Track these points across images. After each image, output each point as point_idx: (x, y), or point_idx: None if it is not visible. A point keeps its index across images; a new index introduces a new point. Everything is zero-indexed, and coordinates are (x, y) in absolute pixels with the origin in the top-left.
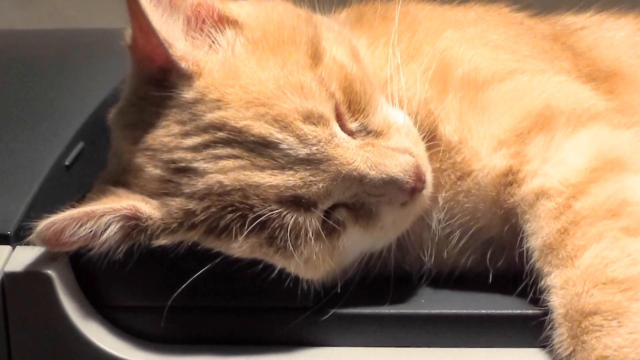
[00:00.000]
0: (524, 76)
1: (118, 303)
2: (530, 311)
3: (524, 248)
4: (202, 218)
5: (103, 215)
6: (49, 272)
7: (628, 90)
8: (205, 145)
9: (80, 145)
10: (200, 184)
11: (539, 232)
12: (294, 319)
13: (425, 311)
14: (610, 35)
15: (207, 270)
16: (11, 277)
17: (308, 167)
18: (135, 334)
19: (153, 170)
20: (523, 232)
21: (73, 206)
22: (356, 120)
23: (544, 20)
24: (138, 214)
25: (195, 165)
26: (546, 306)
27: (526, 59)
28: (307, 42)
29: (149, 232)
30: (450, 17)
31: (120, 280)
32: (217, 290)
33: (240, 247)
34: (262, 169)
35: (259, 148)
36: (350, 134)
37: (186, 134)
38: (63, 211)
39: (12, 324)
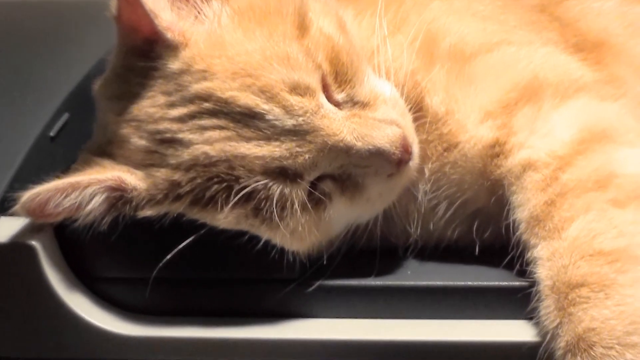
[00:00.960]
0: (511, 47)
1: (103, 274)
2: (517, 283)
3: (511, 220)
4: (188, 189)
5: (88, 186)
6: (34, 242)
7: (616, 61)
8: (191, 116)
9: (65, 116)
10: (185, 154)
11: (525, 204)
12: (280, 290)
13: (412, 283)
14: (597, 5)
15: (192, 242)
16: None
17: (294, 138)
18: (120, 305)
19: (138, 141)
20: (510, 204)
21: (58, 177)
22: (343, 91)
23: None
24: (123, 185)
25: (180, 136)
26: (533, 278)
27: (513, 30)
28: (294, 13)
29: (134, 203)
30: None
31: (105, 251)
32: (202, 261)
33: (225, 218)
34: (248, 139)
35: (245, 119)
36: (337, 105)
37: (172, 105)
38: (48, 182)
39: None
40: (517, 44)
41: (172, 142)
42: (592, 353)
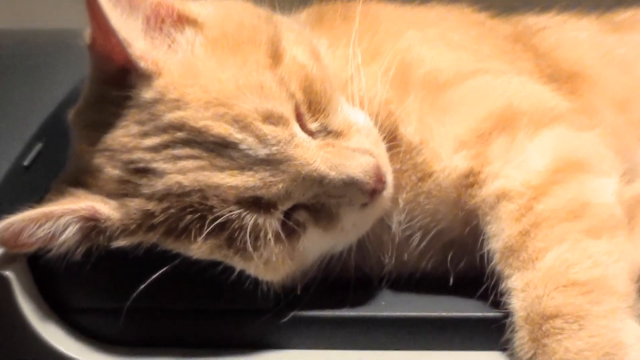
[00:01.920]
0: (486, 77)
1: (77, 305)
2: (491, 314)
3: (485, 250)
4: (161, 219)
5: (61, 216)
6: (7, 273)
7: (590, 91)
8: (165, 146)
9: (39, 145)
10: (159, 184)
11: (500, 234)
12: (254, 321)
13: (386, 314)
14: (572, 35)
15: (166, 272)
16: None
17: (268, 168)
18: (94, 336)
19: (112, 171)
20: (484, 234)
21: (32, 207)
22: (316, 120)
23: (505, 20)
24: (97, 215)
25: (154, 165)
26: (507, 309)
27: (488, 59)
28: (267, 41)
29: (107, 233)
30: (411, 17)
31: (79, 282)
32: (176, 292)
33: (199, 249)
34: (221, 169)
35: (219, 148)
36: (311, 134)
37: (145, 134)
38: (22, 212)
39: None
40: (492, 73)
41: (146, 171)
42: None
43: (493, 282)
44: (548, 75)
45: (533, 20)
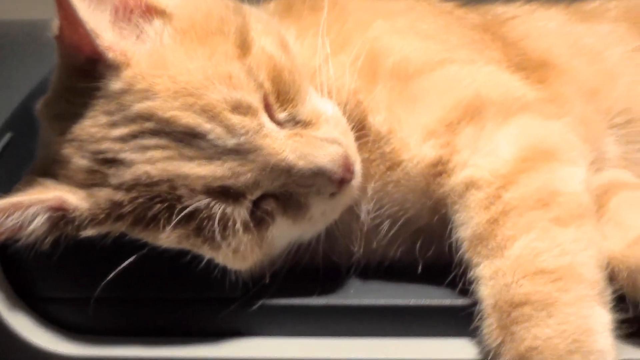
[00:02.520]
0: (454, 66)
1: (45, 294)
2: (460, 302)
3: (454, 239)
4: (130, 209)
5: (30, 206)
6: None
7: (558, 81)
8: (133, 136)
9: (8, 136)
10: (127, 174)
11: (468, 222)
12: (223, 309)
13: (354, 302)
14: (541, 25)
15: (135, 261)
16: None
17: (236, 158)
18: (63, 325)
19: (80, 161)
20: (452, 223)
21: (0, 197)
22: (285, 110)
23: (474, 10)
24: (65, 205)
25: (122, 155)
26: (475, 297)
27: (456, 48)
28: (236, 32)
29: (76, 223)
30: (379, 7)
31: (48, 271)
32: (144, 281)
33: (167, 238)
34: (190, 159)
35: (187, 138)
36: (279, 124)
37: (114, 125)
38: None
39: None
40: (460, 62)
41: (114, 161)
42: None
43: (461, 270)
44: (516, 64)
45: (502, 9)
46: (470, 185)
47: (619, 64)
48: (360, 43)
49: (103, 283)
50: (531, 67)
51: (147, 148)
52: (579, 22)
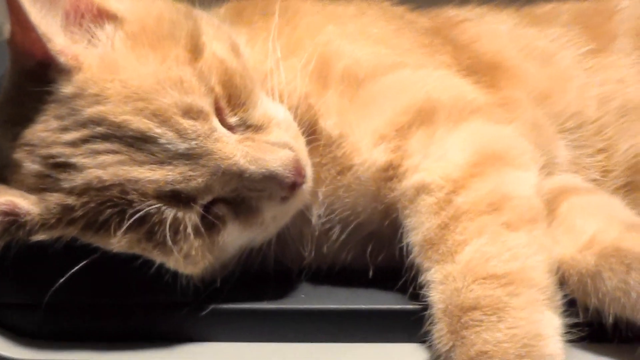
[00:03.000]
0: (405, 70)
1: None
2: (410, 306)
3: (404, 243)
4: (81, 213)
5: None
6: None
7: (509, 85)
8: (84, 140)
9: None
10: (79, 179)
11: (419, 227)
12: (173, 314)
13: (305, 306)
14: (492, 28)
15: (86, 266)
16: None
17: (187, 162)
18: (14, 330)
19: (31, 166)
20: (403, 227)
21: None
22: (236, 114)
23: (424, 13)
24: (16, 210)
25: (73, 160)
26: (426, 301)
27: (407, 53)
28: (187, 36)
29: (27, 228)
30: (330, 12)
31: None
32: (95, 286)
33: (118, 243)
34: (141, 164)
35: (138, 143)
36: (230, 128)
37: (65, 129)
38: None
39: None
40: (411, 67)
41: (65, 166)
42: None
43: (412, 274)
44: (467, 67)
45: (453, 13)
46: (421, 190)
47: (570, 67)
48: (311, 47)
49: (53, 288)
50: (482, 70)
51: (98, 152)
52: (531, 26)
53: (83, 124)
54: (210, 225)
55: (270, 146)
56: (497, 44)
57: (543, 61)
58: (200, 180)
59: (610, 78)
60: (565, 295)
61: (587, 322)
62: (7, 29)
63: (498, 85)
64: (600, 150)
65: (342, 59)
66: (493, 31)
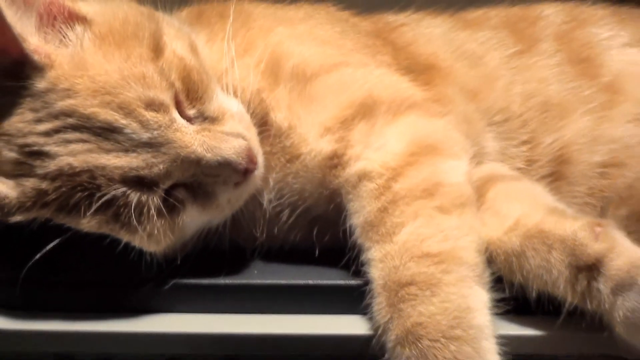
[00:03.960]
0: (349, 69)
1: None
2: (353, 282)
3: (348, 225)
4: (54, 197)
5: None
6: None
7: (444, 82)
8: (56, 131)
9: None
10: (52, 165)
11: (361, 210)
12: (138, 288)
13: (258, 281)
14: (428, 32)
15: (59, 245)
16: None
17: (150, 150)
18: None
19: (9, 154)
20: (347, 211)
21: None
22: (194, 107)
23: (367, 18)
24: None
25: (47, 148)
26: (367, 278)
27: (351, 53)
28: (150, 36)
29: (5, 210)
30: (281, 15)
31: None
32: (68, 263)
33: (88, 223)
34: (108, 151)
35: (105, 133)
36: (189, 120)
37: (39, 121)
38: None
39: None
40: (354, 65)
41: (40, 154)
42: (420, 345)
43: (354, 253)
44: (405, 67)
45: (392, 18)
46: (362, 177)
47: (498, 67)
48: (263, 47)
49: (29, 264)
50: (419, 70)
51: (69, 141)
52: (463, 29)
53: (55, 116)
54: (171, 207)
55: (225, 136)
56: (432, 46)
57: (473, 62)
58: (161, 166)
59: (533, 77)
60: (493, 273)
61: (512, 296)
62: None
63: (433, 83)
64: (525, 142)
65: (291, 58)
66: (428, 35)
